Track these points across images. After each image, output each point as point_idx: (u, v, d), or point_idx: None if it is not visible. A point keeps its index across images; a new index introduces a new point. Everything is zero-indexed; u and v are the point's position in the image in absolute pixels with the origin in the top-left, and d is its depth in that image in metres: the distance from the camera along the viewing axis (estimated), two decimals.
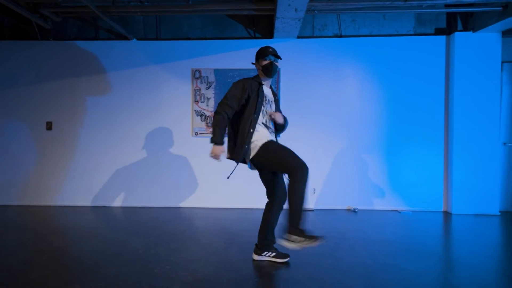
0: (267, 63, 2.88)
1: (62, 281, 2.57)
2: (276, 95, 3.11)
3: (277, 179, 2.95)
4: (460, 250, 3.42)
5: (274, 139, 2.95)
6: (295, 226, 2.62)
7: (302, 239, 2.57)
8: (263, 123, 2.88)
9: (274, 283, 2.59)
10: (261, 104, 2.85)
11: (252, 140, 2.81)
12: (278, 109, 3.07)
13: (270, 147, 2.78)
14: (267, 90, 2.98)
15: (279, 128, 3.05)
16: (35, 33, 5.17)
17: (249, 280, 2.60)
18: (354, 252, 3.24)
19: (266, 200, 3.02)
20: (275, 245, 3.02)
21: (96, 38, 5.21)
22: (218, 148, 2.77)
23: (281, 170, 2.79)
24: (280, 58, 2.96)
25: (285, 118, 3.03)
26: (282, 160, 2.70)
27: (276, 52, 2.93)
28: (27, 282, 2.55)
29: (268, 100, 2.94)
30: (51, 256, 3.09)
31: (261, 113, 2.86)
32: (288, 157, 2.68)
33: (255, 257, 3.00)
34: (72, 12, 4.65)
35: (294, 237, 2.59)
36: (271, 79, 3.03)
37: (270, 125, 2.95)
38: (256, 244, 3.04)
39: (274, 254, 2.97)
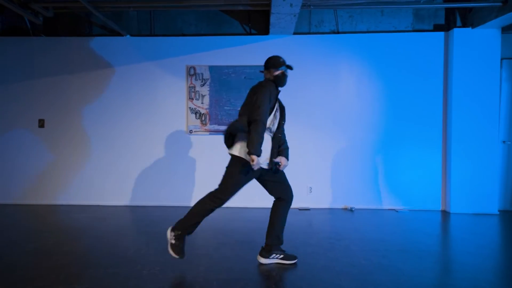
0: (280, 73, 2.80)
1: (47, 281, 2.49)
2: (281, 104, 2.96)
3: (273, 179, 2.85)
4: (458, 250, 3.35)
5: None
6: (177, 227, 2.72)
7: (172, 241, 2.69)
8: (268, 127, 2.77)
9: (265, 284, 2.52)
10: (275, 113, 2.79)
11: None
12: (283, 117, 2.93)
13: (238, 169, 2.72)
14: None
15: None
16: (27, 29, 5.09)
17: (239, 281, 2.53)
18: (349, 252, 3.16)
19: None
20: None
21: (89, 34, 5.13)
22: (256, 159, 2.54)
23: (220, 185, 2.80)
24: (292, 69, 2.87)
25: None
26: (225, 181, 2.77)
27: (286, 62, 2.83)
28: (13, 282, 2.47)
29: (277, 108, 2.84)
30: (39, 256, 3.01)
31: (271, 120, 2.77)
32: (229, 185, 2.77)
33: (262, 260, 2.83)
34: (64, 7, 4.57)
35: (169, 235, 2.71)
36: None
37: (273, 128, 2.83)
38: (262, 247, 2.87)
39: (282, 256, 2.83)
